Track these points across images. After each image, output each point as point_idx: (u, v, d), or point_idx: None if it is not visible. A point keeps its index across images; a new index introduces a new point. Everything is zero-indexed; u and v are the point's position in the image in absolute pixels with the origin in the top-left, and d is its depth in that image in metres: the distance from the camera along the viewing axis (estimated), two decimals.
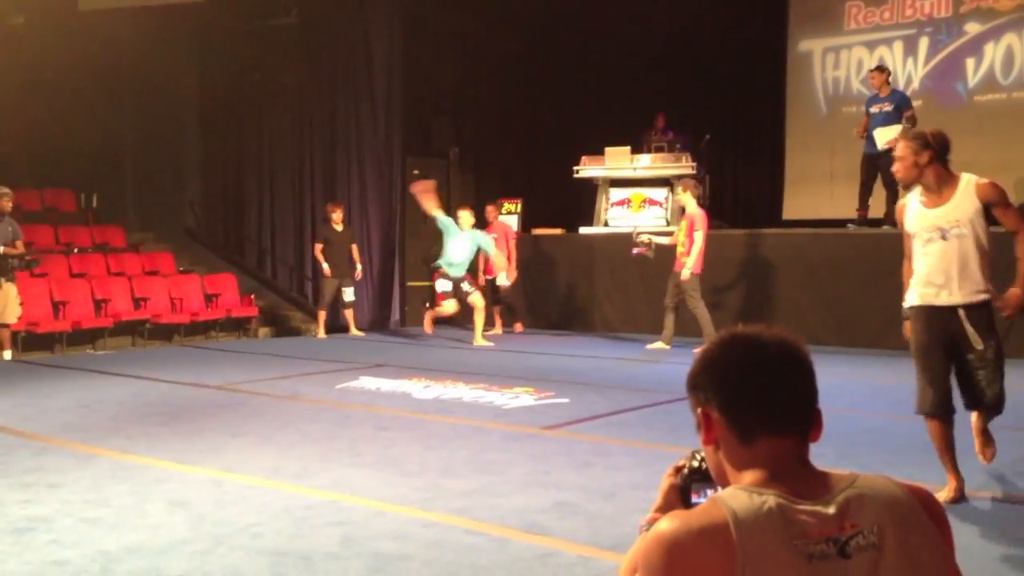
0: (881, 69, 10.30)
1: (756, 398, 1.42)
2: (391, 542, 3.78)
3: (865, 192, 10.29)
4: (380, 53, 12.62)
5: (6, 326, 9.53)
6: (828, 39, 12.97)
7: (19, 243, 9.59)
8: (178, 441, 5.69)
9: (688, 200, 9.79)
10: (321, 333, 11.81)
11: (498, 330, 11.90)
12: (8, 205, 9.59)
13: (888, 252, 9.24)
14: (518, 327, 12.05)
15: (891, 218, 9.79)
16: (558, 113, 13.93)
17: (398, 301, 12.89)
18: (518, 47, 13.04)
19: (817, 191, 12.76)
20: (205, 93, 14.01)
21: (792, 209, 13.13)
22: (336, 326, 12.06)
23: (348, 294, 11.84)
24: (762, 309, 10.38)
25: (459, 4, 12.62)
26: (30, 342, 10.09)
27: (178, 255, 12.99)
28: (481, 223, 11.49)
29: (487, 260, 11.61)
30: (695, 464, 1.59)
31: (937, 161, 4.23)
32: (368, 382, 7.89)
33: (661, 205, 12.13)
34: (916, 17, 12.37)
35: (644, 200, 12.20)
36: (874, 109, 10.03)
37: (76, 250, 11.99)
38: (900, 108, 9.87)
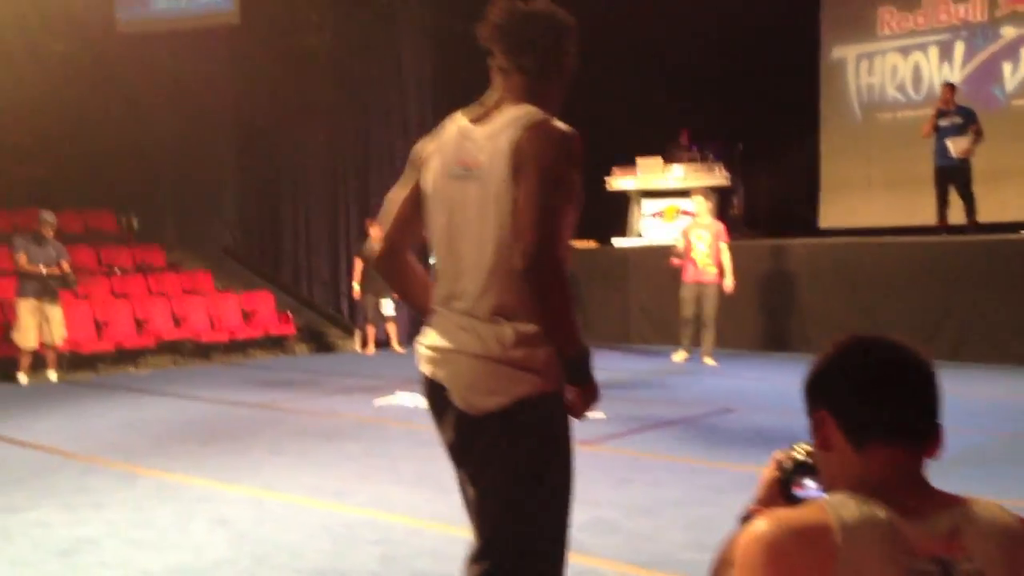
0: (950, 86, 10.47)
1: (875, 404, 1.36)
2: (430, 560, 3.80)
3: (942, 203, 10.37)
4: (412, 72, 12.74)
5: (52, 347, 9.69)
6: (861, 45, 12.88)
7: (64, 263, 9.76)
8: (219, 460, 5.76)
9: (706, 209, 9.89)
10: (370, 348, 11.88)
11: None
12: (50, 231, 9.77)
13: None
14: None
15: (974, 225, 9.99)
16: (587, 124, 13.82)
17: None
18: None
19: (854, 198, 12.66)
20: (241, 113, 14.19)
21: (829, 217, 13.03)
22: (377, 340, 12.14)
23: (387, 307, 11.89)
24: (799, 318, 10.30)
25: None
26: (74, 363, 10.25)
27: (216, 273, 13.15)
28: None
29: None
30: (798, 457, 1.55)
31: None
32: (405, 398, 7.92)
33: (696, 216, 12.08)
34: (951, 22, 12.25)
35: (678, 211, 12.17)
36: (944, 122, 10.20)
37: (117, 271, 12.18)
38: (968, 121, 10.07)
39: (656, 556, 3.78)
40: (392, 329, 12.06)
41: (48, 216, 9.82)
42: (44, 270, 9.51)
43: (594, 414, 2.26)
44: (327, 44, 12.64)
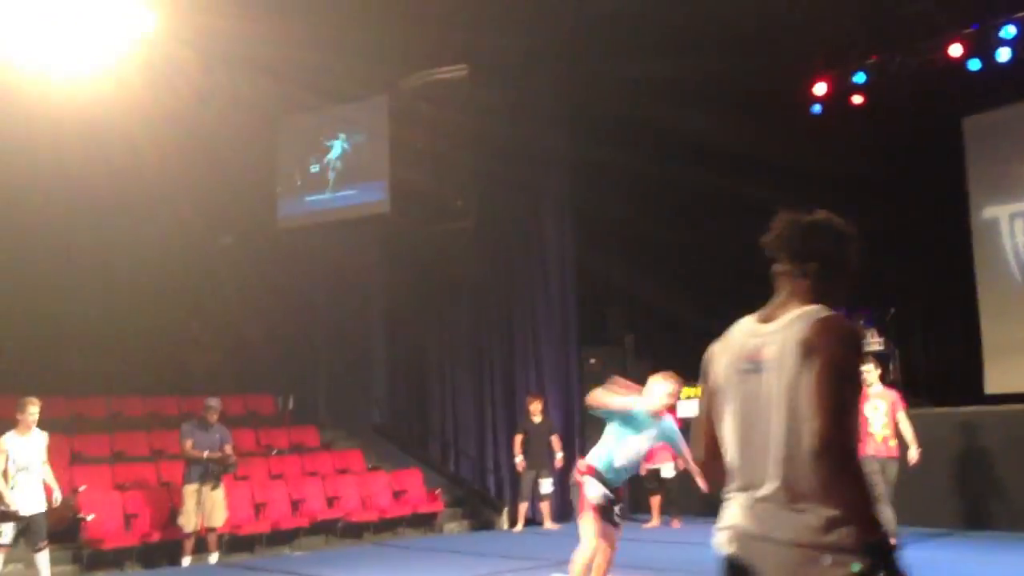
0: None
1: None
2: None
3: None
4: (553, 248, 13.11)
5: (213, 530, 9.99)
6: (1014, 204, 12.51)
7: (227, 447, 10.18)
8: None
9: (876, 377, 9.34)
10: (518, 526, 11.77)
11: (655, 522, 11.52)
12: (215, 417, 10.26)
13: None
14: (675, 523, 11.61)
15: None
16: (729, 293, 13.85)
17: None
18: (690, 236, 13.22)
19: (1022, 362, 12.00)
20: (390, 296, 14.81)
21: (996, 383, 12.36)
22: (526, 518, 12.02)
23: (545, 486, 11.86)
24: (979, 491, 9.65)
25: (628, 196, 13.01)
26: (233, 545, 10.51)
27: (366, 452, 13.43)
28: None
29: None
30: None
31: None
32: None
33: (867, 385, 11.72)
34: None
35: None
36: None
37: (275, 452, 12.59)
38: None
39: None
40: (546, 507, 11.94)
41: (213, 402, 10.34)
42: (206, 455, 9.94)
43: None
44: (471, 226, 13.21)
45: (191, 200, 13.10)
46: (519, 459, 11.78)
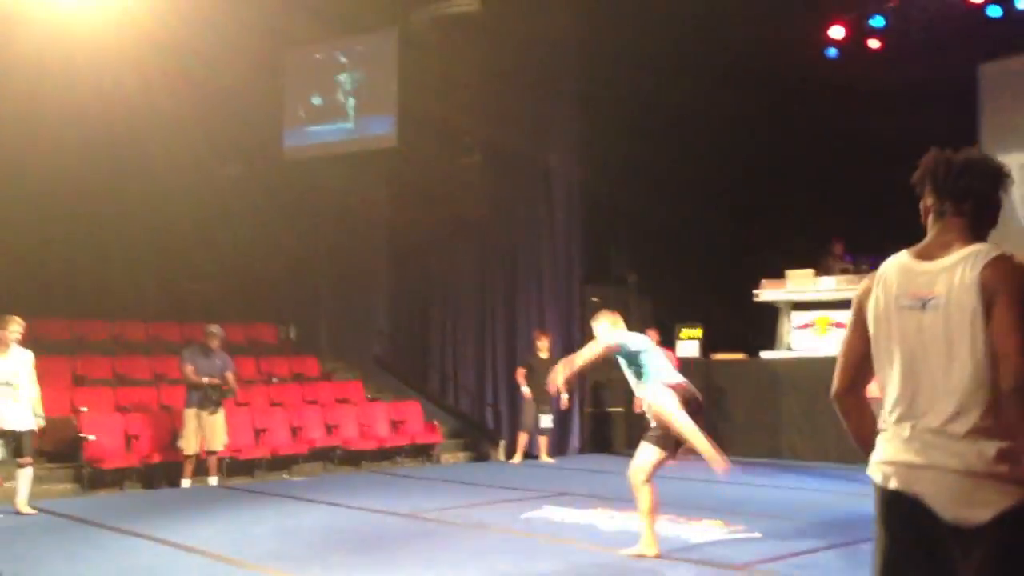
0: None
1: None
2: None
3: None
4: (559, 186, 13.06)
5: (213, 453, 10.12)
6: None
7: (229, 374, 10.26)
8: (374, 570, 5.82)
9: None
10: (517, 458, 11.91)
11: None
12: (216, 343, 10.32)
13: None
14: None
15: None
16: (735, 236, 13.84)
17: (578, 428, 12.92)
18: (692, 179, 13.14)
19: None
20: (395, 230, 14.80)
21: None
22: (525, 451, 12.17)
23: (545, 420, 11.95)
24: None
25: (638, 133, 12.91)
26: (233, 468, 10.66)
27: (366, 383, 13.54)
28: None
29: None
30: None
31: None
32: (553, 512, 7.86)
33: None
34: None
35: (830, 323, 11.83)
36: None
37: (275, 380, 12.70)
38: None
39: None
40: (544, 442, 12.07)
41: (215, 329, 10.39)
42: (206, 381, 10.02)
43: None
44: (479, 161, 13.14)
45: (198, 129, 13.01)
46: (526, 389, 11.85)
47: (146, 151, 12.89)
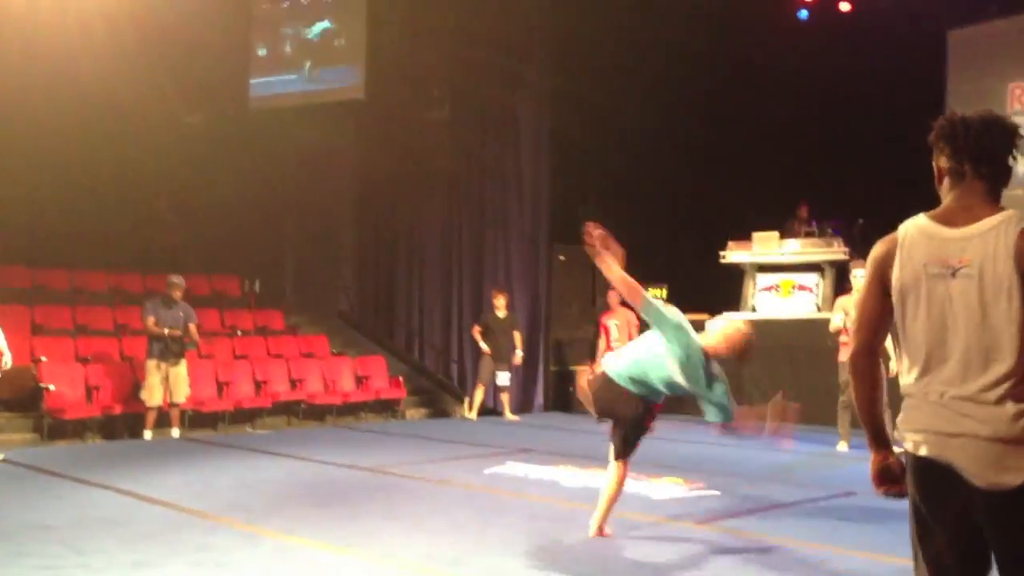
0: None
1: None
2: None
3: None
4: (528, 142, 12.99)
5: (176, 405, 10.06)
6: None
7: (192, 326, 10.17)
8: (335, 523, 5.83)
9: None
10: (472, 414, 11.96)
11: None
12: (178, 294, 10.21)
13: None
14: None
15: None
16: (702, 198, 13.90)
17: (542, 385, 13.00)
18: (662, 136, 13.14)
19: None
20: (362, 183, 14.67)
21: None
22: (486, 409, 12.23)
23: (502, 378, 12.03)
24: None
25: (605, 88, 12.84)
26: (196, 420, 10.61)
27: (332, 338, 13.48)
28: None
29: (607, 344, 11.66)
30: None
31: None
32: (516, 468, 7.91)
33: (811, 291, 11.87)
34: None
35: (794, 286, 11.95)
36: None
37: (239, 333, 12.61)
38: None
39: None
40: (506, 399, 12.15)
41: (176, 279, 10.28)
42: (167, 332, 9.92)
43: None
44: (447, 116, 13.02)
45: (163, 76, 12.75)
46: (484, 345, 11.92)
47: (111, 97, 12.60)
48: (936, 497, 2.44)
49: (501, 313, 12.05)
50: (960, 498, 2.39)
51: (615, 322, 11.72)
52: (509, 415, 12.10)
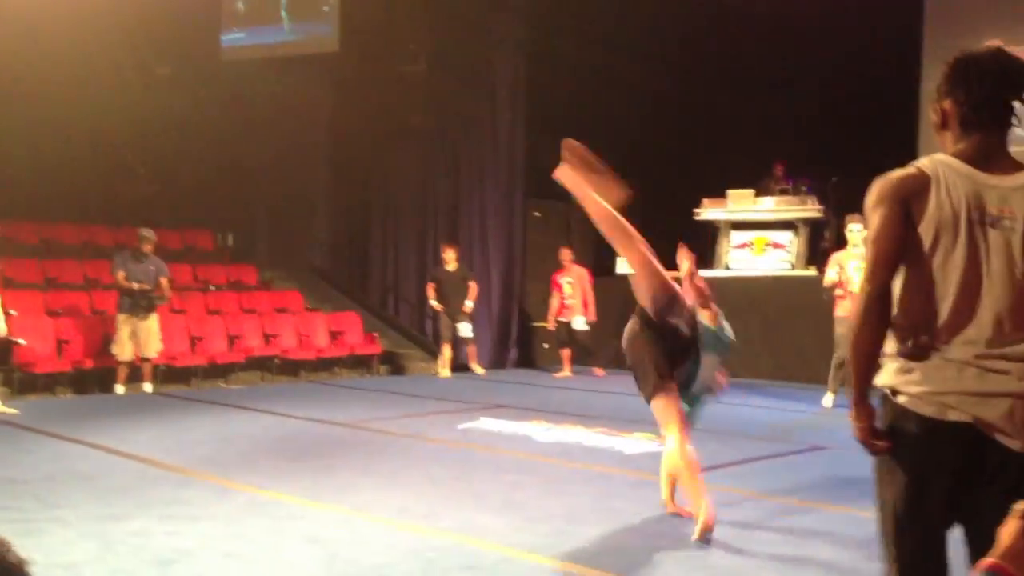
0: None
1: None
2: None
3: None
4: (504, 98, 12.89)
5: (147, 360, 10.01)
6: None
7: (163, 280, 10.09)
8: (308, 477, 5.85)
9: (862, 238, 9.06)
10: (446, 370, 11.95)
11: (567, 373, 11.84)
12: (149, 247, 10.11)
13: None
14: (598, 372, 11.89)
15: None
16: (677, 155, 13.87)
17: (516, 341, 13.04)
18: (640, 92, 13.07)
19: None
20: (336, 137, 14.53)
21: None
22: (460, 365, 12.24)
23: (463, 330, 11.97)
24: None
25: (582, 43, 12.73)
26: (168, 376, 10.57)
27: (306, 293, 13.43)
28: (542, 269, 11.71)
29: (561, 302, 11.71)
30: None
31: None
32: (489, 423, 7.96)
33: (785, 248, 11.93)
34: None
35: (767, 244, 12.01)
36: None
37: (212, 287, 12.52)
38: None
39: None
40: (472, 351, 12.14)
41: (146, 232, 10.17)
42: (136, 286, 9.84)
43: None
44: (422, 71, 12.88)
45: (134, 25, 12.49)
46: (434, 303, 11.91)
47: (80, 48, 12.33)
48: (967, 461, 2.22)
49: (451, 267, 11.97)
50: (991, 463, 2.19)
51: (568, 279, 11.78)
52: (476, 367, 12.09)
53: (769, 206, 12.13)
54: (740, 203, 12.12)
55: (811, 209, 11.73)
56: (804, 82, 12.92)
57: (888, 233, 2.28)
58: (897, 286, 2.32)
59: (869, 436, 2.36)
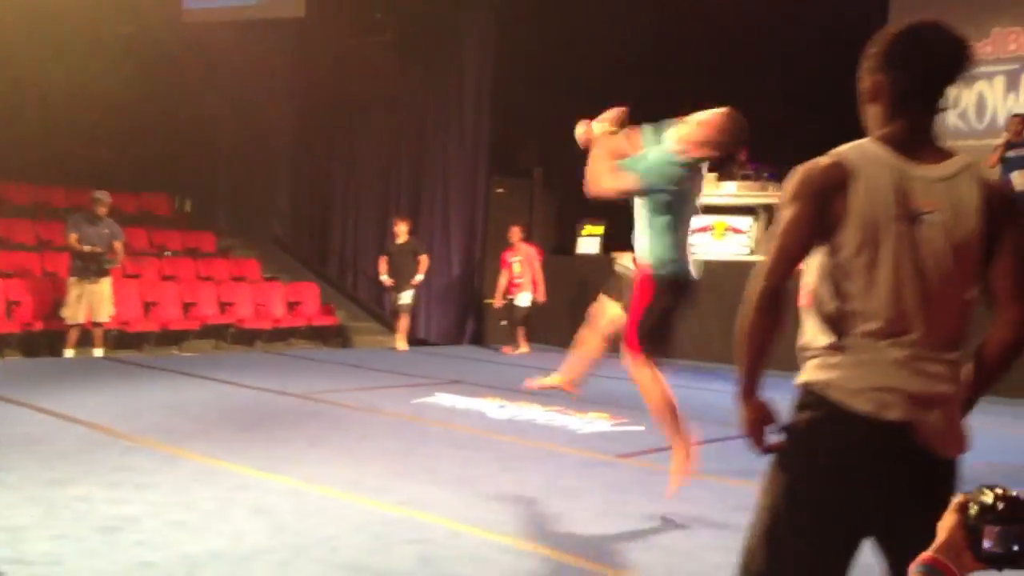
0: (1020, 116, 10.27)
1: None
2: (469, 566, 3.79)
3: None
4: (471, 72, 12.79)
5: (99, 324, 9.85)
6: None
7: (117, 244, 9.92)
8: (259, 448, 5.80)
9: None
10: (403, 344, 11.84)
11: (524, 349, 11.85)
12: (103, 210, 9.94)
13: None
14: (507, 350, 11.90)
15: None
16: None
17: (474, 318, 13.02)
18: (604, 70, 13.02)
19: None
20: (299, 106, 14.34)
21: None
22: (417, 339, 12.17)
23: (404, 296, 11.76)
24: None
25: (552, 11, 12.64)
26: (120, 341, 10.42)
27: (264, 262, 13.30)
28: (503, 245, 11.70)
29: (511, 280, 11.70)
30: (987, 501, 1.41)
31: None
32: (444, 399, 7.94)
33: (744, 233, 12.01)
34: (1018, 52, 12.02)
35: (727, 228, 12.08)
36: (1012, 154, 10.05)
37: (168, 253, 12.35)
38: None
39: (697, 575, 3.75)
40: (404, 322, 11.86)
41: (101, 195, 9.99)
42: (88, 249, 9.66)
43: None
44: (389, 41, 12.73)
45: None
46: (385, 278, 11.80)
47: (34, 2, 12.04)
48: (886, 463, 2.09)
49: (401, 240, 11.84)
50: (919, 468, 2.09)
51: (517, 258, 11.76)
52: (400, 343, 11.83)
53: (731, 191, 12.18)
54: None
55: (771, 195, 11.79)
56: (768, 67, 12.95)
57: (798, 232, 2.16)
58: (826, 281, 2.18)
59: (760, 431, 2.25)
